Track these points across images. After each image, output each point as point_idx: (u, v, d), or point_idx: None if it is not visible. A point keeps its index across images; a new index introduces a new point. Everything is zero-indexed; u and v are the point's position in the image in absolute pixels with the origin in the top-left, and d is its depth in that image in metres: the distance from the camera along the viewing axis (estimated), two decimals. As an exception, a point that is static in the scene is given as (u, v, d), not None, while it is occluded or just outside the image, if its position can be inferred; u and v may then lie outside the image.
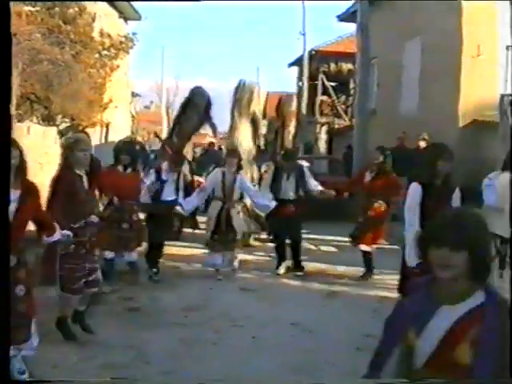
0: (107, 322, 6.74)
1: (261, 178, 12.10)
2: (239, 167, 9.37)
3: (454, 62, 14.93)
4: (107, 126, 20.09)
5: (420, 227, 5.58)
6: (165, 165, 9.13)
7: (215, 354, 5.98)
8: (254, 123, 12.30)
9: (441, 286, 2.49)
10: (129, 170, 8.46)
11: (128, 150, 8.66)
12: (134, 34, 18.82)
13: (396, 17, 18.26)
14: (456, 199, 5.87)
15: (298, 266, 9.65)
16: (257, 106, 12.48)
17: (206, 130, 11.95)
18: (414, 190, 5.85)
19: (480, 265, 2.43)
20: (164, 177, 8.99)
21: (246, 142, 12.07)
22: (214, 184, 9.28)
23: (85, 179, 5.94)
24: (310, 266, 9.96)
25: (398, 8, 18.21)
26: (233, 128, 12.38)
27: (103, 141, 19.93)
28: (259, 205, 9.74)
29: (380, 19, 18.42)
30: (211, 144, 20.30)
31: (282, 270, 9.57)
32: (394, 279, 8.75)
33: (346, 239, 9.99)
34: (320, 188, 9.88)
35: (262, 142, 13.66)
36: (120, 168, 8.41)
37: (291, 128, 14.27)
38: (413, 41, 17.28)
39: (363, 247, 9.36)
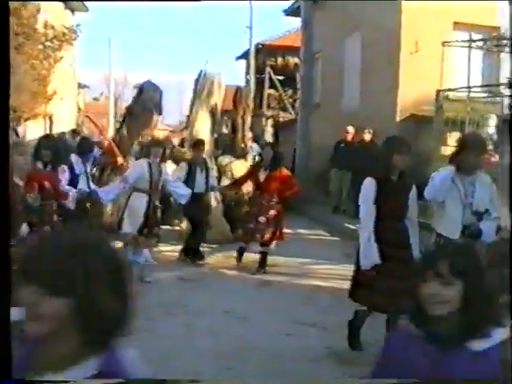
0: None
1: (219, 171, 12.27)
2: (163, 158, 9.18)
3: (392, 57, 15.30)
4: (50, 118, 19.96)
5: (374, 226, 5.48)
6: (74, 157, 9.01)
7: (148, 340, 6.15)
8: (214, 115, 12.12)
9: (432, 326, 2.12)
10: (49, 168, 7.76)
11: (48, 146, 7.87)
12: (77, 25, 18.79)
13: (338, 12, 18.56)
14: (413, 196, 5.71)
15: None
16: (218, 99, 12.18)
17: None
18: (368, 186, 5.57)
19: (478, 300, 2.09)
20: (76, 170, 8.78)
21: (204, 133, 11.79)
22: (138, 175, 8.74)
23: None
24: (248, 256, 10.20)
25: (339, 4, 18.53)
26: (191, 119, 12.28)
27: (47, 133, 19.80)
28: (177, 194, 9.50)
29: (323, 14, 18.76)
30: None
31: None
32: (328, 269, 9.15)
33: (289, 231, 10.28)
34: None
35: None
36: (39, 165, 7.71)
37: (249, 121, 14.36)
38: (353, 36, 17.64)
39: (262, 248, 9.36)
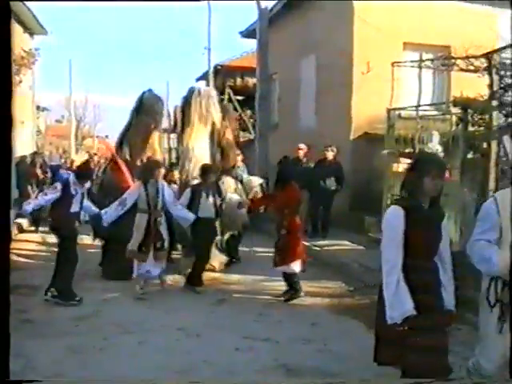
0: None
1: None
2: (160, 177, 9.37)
3: (346, 78, 15.72)
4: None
5: (403, 268, 4.37)
6: (72, 178, 9.01)
7: (101, 359, 6.32)
8: (213, 133, 11.28)
9: None
10: None
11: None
12: (36, 49, 18.88)
13: (293, 35, 19.03)
14: (446, 229, 4.66)
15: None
16: (216, 115, 11.34)
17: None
18: (395, 217, 4.41)
19: None
20: (72, 191, 8.83)
21: (202, 152, 11.07)
22: (135, 196, 9.24)
23: None
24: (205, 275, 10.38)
25: (294, 26, 19.00)
26: (187, 133, 11.22)
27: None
28: (179, 217, 9.62)
29: (278, 36, 19.16)
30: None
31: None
32: (282, 285, 9.34)
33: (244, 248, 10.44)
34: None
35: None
36: None
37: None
38: (308, 58, 18.07)
39: (280, 269, 9.07)
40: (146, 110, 10.99)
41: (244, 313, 8.21)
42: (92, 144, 50.73)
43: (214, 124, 11.20)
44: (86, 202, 9.25)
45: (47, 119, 45.59)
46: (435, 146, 12.27)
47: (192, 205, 9.57)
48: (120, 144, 11.14)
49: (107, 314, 8.03)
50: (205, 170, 9.82)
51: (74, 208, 8.86)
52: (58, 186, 8.77)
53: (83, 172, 9.23)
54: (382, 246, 4.48)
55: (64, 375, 5.79)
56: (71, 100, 37.82)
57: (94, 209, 9.45)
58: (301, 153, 14.90)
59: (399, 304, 4.31)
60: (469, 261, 4.60)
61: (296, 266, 8.93)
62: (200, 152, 11.04)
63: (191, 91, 11.40)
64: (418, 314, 4.29)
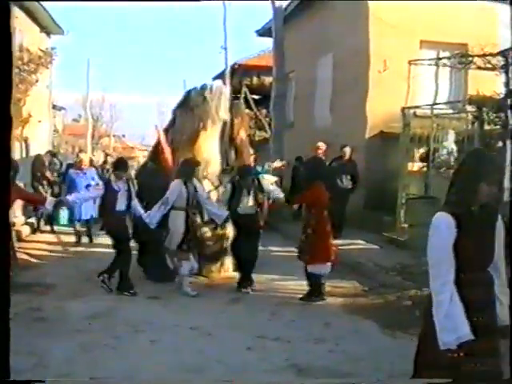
0: (14, 331, 6.96)
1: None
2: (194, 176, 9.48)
3: (362, 76, 15.66)
4: (26, 141, 20.11)
5: (456, 284, 3.79)
6: (112, 176, 9.27)
7: (113, 357, 6.31)
8: (223, 131, 11.00)
9: None
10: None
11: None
12: (53, 48, 19.00)
13: (309, 34, 18.99)
14: (499, 234, 3.97)
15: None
16: (226, 113, 10.93)
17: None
18: (445, 225, 3.81)
19: None
20: (115, 186, 9.06)
21: (212, 151, 10.76)
22: (176, 194, 9.21)
23: None
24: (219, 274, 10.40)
25: (310, 25, 18.95)
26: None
27: (24, 155, 19.96)
28: (213, 213, 9.70)
29: (294, 35, 19.12)
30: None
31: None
32: (295, 284, 9.33)
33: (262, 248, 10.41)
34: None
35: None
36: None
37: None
38: (326, 57, 18.02)
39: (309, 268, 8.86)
40: (192, 106, 10.67)
41: (257, 312, 8.20)
42: (108, 143, 51.12)
43: (225, 123, 10.93)
44: (135, 201, 9.33)
45: (64, 118, 45.83)
46: (450, 145, 12.19)
47: (232, 200, 9.57)
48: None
49: (120, 313, 8.03)
50: (242, 171, 9.84)
51: (120, 206, 9.05)
52: (100, 183, 8.96)
53: (119, 163, 9.51)
54: (429, 258, 3.89)
55: (75, 374, 5.79)
56: (88, 99, 38.01)
57: (140, 209, 9.40)
58: (320, 152, 14.74)
59: (453, 327, 3.74)
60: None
61: (323, 268, 8.81)
62: (211, 152, 10.74)
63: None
64: (475, 336, 3.72)
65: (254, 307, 8.46)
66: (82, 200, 10.21)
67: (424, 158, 13.28)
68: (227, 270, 10.57)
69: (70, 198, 9.47)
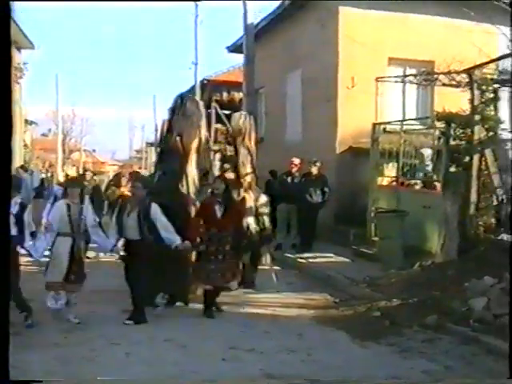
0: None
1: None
2: (83, 198, 8.55)
3: (331, 92, 15.91)
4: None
5: None
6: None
7: (89, 369, 6.39)
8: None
9: None
10: None
11: None
12: (24, 63, 19.00)
13: (279, 50, 19.24)
14: None
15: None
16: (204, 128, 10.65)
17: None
18: None
19: None
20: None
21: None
22: (58, 218, 8.35)
23: None
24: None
25: (280, 42, 19.21)
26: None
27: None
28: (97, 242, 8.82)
29: (265, 51, 19.34)
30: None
31: None
32: (269, 297, 9.49)
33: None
34: None
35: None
36: None
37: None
38: (294, 73, 18.28)
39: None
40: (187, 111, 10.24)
41: (231, 324, 8.31)
42: (79, 158, 50.89)
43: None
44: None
45: (33, 133, 45.54)
46: (426, 162, 12.62)
47: None
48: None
49: (95, 326, 8.08)
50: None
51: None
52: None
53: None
54: None
55: (52, 385, 5.86)
56: (58, 113, 37.87)
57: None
58: (293, 167, 14.82)
59: None
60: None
61: None
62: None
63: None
64: None
65: (227, 319, 8.59)
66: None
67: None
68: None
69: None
